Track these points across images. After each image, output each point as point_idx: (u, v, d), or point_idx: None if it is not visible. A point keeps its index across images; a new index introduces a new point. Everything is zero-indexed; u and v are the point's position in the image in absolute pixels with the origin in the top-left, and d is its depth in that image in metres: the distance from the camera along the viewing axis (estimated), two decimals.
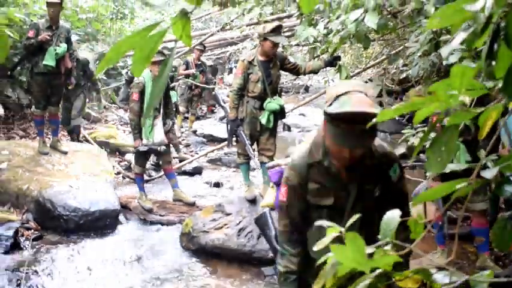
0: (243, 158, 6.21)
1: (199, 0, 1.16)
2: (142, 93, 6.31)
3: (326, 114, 2.19)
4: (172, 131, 6.74)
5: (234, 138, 6.26)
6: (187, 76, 10.98)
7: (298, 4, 6.21)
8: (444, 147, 1.15)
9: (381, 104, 16.72)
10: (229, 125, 6.07)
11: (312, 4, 1.25)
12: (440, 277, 1.14)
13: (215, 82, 13.94)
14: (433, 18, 1.14)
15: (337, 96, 2.13)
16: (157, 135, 6.38)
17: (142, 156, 6.62)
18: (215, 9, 13.10)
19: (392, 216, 1.27)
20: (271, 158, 6.04)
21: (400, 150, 9.93)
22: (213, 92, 7.83)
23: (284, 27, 10.60)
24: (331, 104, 2.15)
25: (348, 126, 2.09)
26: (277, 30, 5.69)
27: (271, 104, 5.86)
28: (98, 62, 11.83)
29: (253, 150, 6.21)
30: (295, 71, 6.22)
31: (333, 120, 2.15)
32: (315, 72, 6.39)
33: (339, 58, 6.03)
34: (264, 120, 5.88)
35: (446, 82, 1.07)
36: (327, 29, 5.73)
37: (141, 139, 6.37)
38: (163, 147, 6.44)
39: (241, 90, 5.85)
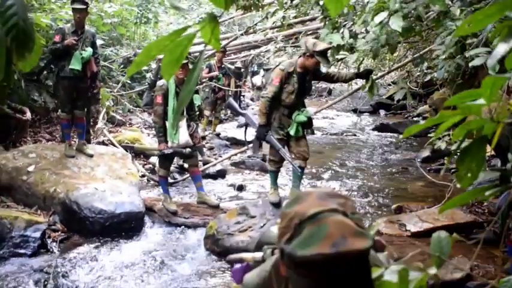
0: (275, 166, 6.16)
1: (227, 4, 1.18)
2: (165, 96, 6.36)
3: (285, 256, 1.29)
4: (196, 133, 6.76)
5: (251, 144, 6.25)
6: (210, 79, 11.03)
7: (322, 7, 6.21)
8: (473, 161, 1.15)
9: (404, 107, 16.61)
10: (256, 131, 6.02)
11: (339, 7, 1.26)
12: None
13: (240, 86, 13.98)
14: (463, 25, 1.14)
15: (300, 224, 1.27)
16: (182, 136, 6.42)
17: (167, 159, 6.66)
18: (238, 13, 13.12)
19: (441, 235, 1.25)
20: (306, 160, 6.04)
21: (425, 153, 9.87)
22: (227, 101, 7.60)
23: (307, 30, 10.60)
24: (291, 239, 1.27)
25: (325, 274, 1.22)
26: (326, 52, 5.61)
27: (300, 116, 5.86)
28: (122, 65, 11.96)
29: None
30: (327, 79, 6.21)
31: (299, 267, 1.25)
32: (345, 81, 6.38)
33: (371, 72, 6.01)
34: (292, 132, 5.87)
35: (476, 92, 1.07)
36: (350, 32, 5.72)
37: (166, 142, 6.41)
38: (188, 150, 6.47)
39: (275, 98, 5.82)
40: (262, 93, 5.91)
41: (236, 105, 6.85)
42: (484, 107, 1.07)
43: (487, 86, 1.04)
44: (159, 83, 6.50)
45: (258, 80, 5.89)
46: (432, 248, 1.21)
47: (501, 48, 1.39)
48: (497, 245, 5.37)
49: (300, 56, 5.84)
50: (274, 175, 6.29)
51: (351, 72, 6.13)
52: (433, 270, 1.15)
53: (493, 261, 5.19)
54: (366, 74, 5.95)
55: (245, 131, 6.37)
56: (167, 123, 6.41)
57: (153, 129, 11.05)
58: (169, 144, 6.41)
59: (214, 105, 11.50)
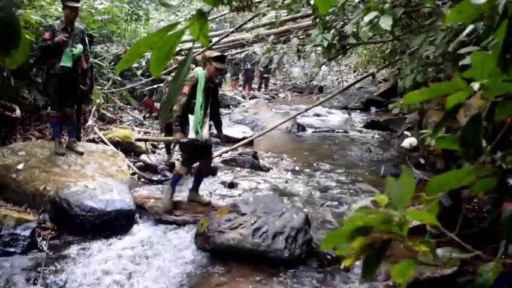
0: None
1: (216, 1, 1.17)
2: (193, 87, 6.36)
3: None
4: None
5: None
6: None
7: (313, 6, 6.21)
8: None
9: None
10: None
11: (328, 4, 1.26)
12: (441, 252, 1.17)
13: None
14: (451, 14, 1.15)
15: None
16: (205, 132, 6.45)
17: (190, 159, 6.62)
18: (229, 10, 13.13)
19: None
20: None
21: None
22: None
23: (298, 27, 10.59)
24: None
25: None
26: None
27: None
28: (113, 63, 11.92)
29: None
30: None
31: None
32: None
33: None
34: None
35: (468, 73, 1.07)
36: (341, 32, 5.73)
37: (183, 133, 6.39)
38: (205, 140, 6.49)
39: None
40: None
41: None
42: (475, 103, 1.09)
43: (478, 64, 1.05)
44: (190, 74, 6.47)
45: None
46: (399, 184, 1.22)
47: (467, 30, 1.40)
48: (487, 241, 5.40)
49: None
50: None
51: None
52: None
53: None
54: None
55: None
56: (190, 116, 6.39)
57: (143, 126, 11.09)
58: (193, 135, 6.38)
59: None
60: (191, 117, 6.36)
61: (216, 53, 6.60)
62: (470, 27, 1.36)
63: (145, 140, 9.13)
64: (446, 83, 1.09)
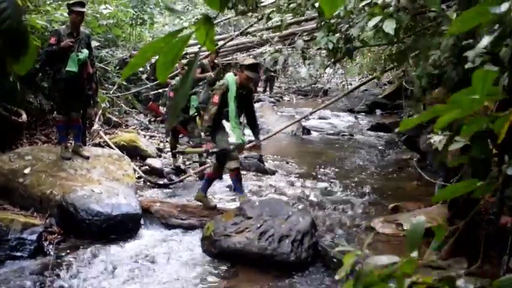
0: None
1: (222, 6, 1.18)
2: (223, 95, 6.28)
3: None
4: None
5: None
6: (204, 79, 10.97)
7: (319, 9, 6.20)
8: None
9: (400, 107, 16.66)
10: None
11: (334, 7, 1.26)
12: (463, 284, 1.14)
13: None
14: (454, 24, 1.14)
15: None
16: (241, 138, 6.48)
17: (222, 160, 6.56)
18: (234, 14, 13.15)
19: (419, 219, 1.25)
20: None
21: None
22: None
23: (303, 31, 10.59)
24: None
25: None
26: None
27: None
28: (118, 67, 11.94)
29: None
30: None
31: None
32: None
33: None
34: None
35: (468, 90, 1.06)
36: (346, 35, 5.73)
37: (214, 142, 6.36)
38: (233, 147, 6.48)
39: None
40: None
41: None
42: (479, 105, 1.08)
43: (479, 80, 1.04)
44: (220, 82, 6.43)
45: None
46: (408, 232, 1.23)
47: (484, 41, 1.40)
48: (494, 244, 5.37)
49: None
50: None
51: None
52: (414, 254, 1.14)
53: (490, 260, 5.20)
54: None
55: None
56: (226, 124, 6.38)
57: (149, 130, 11.10)
58: (232, 141, 6.38)
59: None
60: (227, 125, 6.33)
61: (249, 61, 6.46)
62: (486, 39, 1.35)
63: (182, 153, 9.17)
64: (443, 105, 1.09)
